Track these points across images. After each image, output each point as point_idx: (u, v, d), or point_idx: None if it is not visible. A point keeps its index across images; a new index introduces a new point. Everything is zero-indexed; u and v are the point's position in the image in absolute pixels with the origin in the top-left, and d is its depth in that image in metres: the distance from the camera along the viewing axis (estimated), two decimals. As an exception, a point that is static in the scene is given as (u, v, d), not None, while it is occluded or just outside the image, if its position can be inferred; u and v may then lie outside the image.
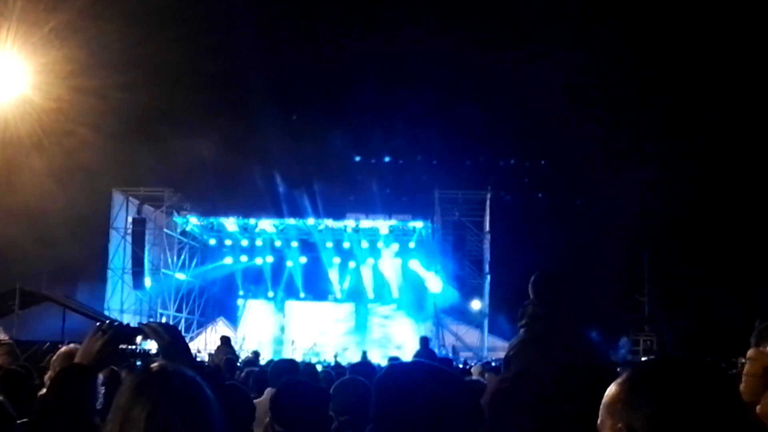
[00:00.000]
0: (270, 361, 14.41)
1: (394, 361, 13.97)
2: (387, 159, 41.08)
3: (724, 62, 36.31)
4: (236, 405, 5.68)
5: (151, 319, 33.77)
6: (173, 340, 3.49)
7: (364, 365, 11.39)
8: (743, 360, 3.62)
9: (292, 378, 6.33)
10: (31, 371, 8.93)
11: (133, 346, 3.69)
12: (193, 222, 39.09)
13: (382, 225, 38.00)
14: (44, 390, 5.73)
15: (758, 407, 3.19)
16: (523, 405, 3.30)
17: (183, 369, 2.92)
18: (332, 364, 21.77)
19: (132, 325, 3.75)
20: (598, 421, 2.12)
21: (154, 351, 3.65)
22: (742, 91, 36.18)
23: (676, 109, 37.91)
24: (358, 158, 40.32)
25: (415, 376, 2.91)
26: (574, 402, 5.17)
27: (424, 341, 17.06)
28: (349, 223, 37.92)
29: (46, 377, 5.77)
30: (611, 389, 2.11)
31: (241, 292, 41.23)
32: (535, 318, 5.68)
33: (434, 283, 37.15)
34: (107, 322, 3.80)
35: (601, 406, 2.12)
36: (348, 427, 5.70)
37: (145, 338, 3.66)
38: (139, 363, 3.73)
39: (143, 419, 2.71)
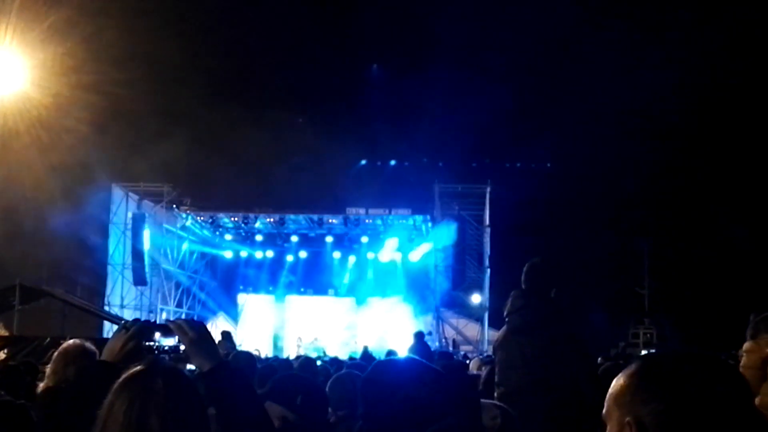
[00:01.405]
0: (268, 358, 14.41)
1: (391, 354, 14.00)
2: (386, 153, 41.06)
3: (726, 60, 36.33)
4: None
5: (152, 315, 34.01)
6: (198, 337, 3.50)
7: (363, 360, 11.39)
8: (741, 353, 3.64)
9: (287, 374, 6.36)
10: (35, 367, 8.95)
11: (151, 343, 3.70)
12: (193, 217, 39.10)
13: (382, 219, 38.06)
14: (43, 384, 5.75)
15: (758, 398, 3.20)
16: (453, 397, 3.32)
17: (175, 369, 2.96)
18: (330, 358, 21.74)
19: (149, 322, 3.78)
20: (604, 411, 2.11)
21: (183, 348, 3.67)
22: (741, 87, 36.20)
23: (673, 102, 37.87)
24: (357, 153, 40.28)
25: (397, 374, 2.95)
26: (546, 395, 5.19)
27: (419, 336, 17.15)
28: (349, 217, 37.96)
29: (47, 371, 5.80)
30: (619, 380, 2.09)
31: (241, 287, 41.24)
32: (513, 309, 5.68)
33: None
34: (132, 319, 3.85)
35: (608, 397, 2.10)
36: (345, 422, 5.72)
37: (164, 335, 3.69)
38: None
39: (121, 414, 2.77)
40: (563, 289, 5.69)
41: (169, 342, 3.63)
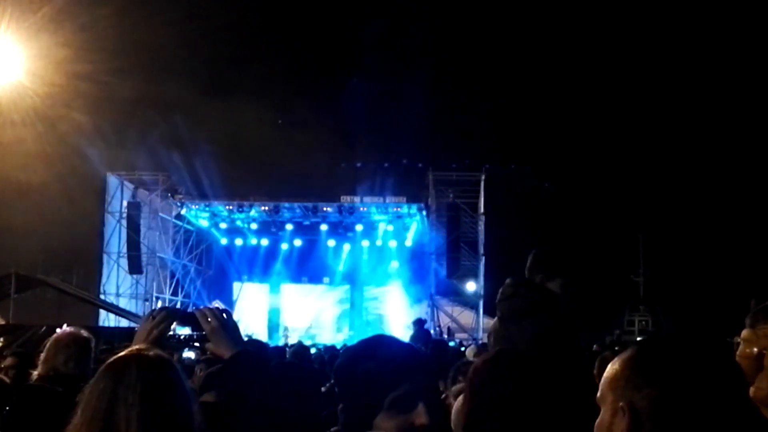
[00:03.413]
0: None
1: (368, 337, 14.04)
2: (381, 141, 40.95)
3: (727, 61, 36.39)
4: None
5: (147, 303, 33.99)
6: (221, 326, 3.54)
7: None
8: (738, 340, 3.62)
9: (281, 362, 6.38)
10: (30, 356, 8.95)
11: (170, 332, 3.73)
12: (188, 205, 39.06)
13: (377, 207, 38.05)
14: (37, 372, 5.77)
15: (752, 389, 3.19)
16: (505, 382, 3.31)
17: (156, 359, 2.98)
18: (326, 346, 21.80)
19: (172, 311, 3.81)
20: (598, 395, 2.11)
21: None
22: (737, 82, 36.23)
23: (673, 94, 37.89)
24: (351, 139, 40.19)
25: (357, 354, 2.94)
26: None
27: (419, 323, 17.11)
28: (344, 205, 37.95)
29: (41, 359, 5.82)
30: (614, 365, 2.09)
31: (236, 275, 41.28)
32: (503, 297, 5.69)
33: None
34: (159, 307, 3.89)
35: (602, 381, 2.10)
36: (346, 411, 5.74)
37: (181, 324, 3.72)
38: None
39: (94, 399, 2.81)
40: (553, 277, 5.69)
41: (185, 331, 3.68)
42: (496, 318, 5.90)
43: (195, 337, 3.63)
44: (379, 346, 2.96)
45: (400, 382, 2.76)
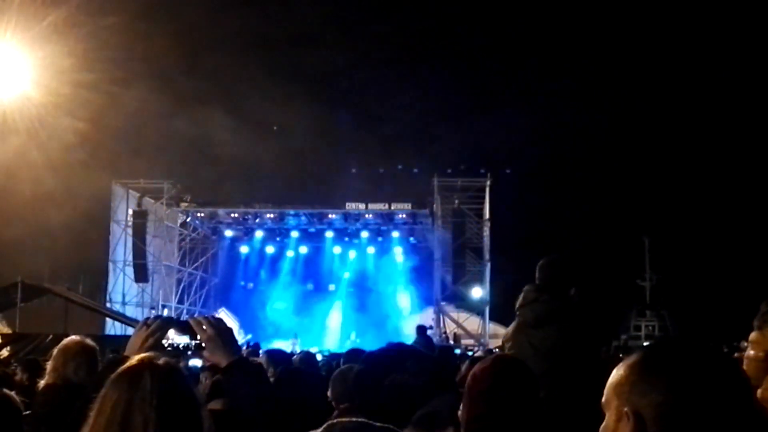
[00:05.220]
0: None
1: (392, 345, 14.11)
2: (385, 147, 40.95)
3: (726, 60, 36.40)
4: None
5: (153, 311, 33.99)
6: (216, 334, 3.53)
7: (360, 352, 11.39)
8: (745, 343, 3.61)
9: (287, 368, 6.36)
10: (38, 363, 8.95)
11: (164, 340, 3.71)
12: (194, 214, 39.11)
13: (382, 213, 38.05)
14: (43, 381, 5.76)
15: (760, 391, 3.18)
16: (501, 388, 3.30)
17: (167, 367, 2.96)
18: (333, 352, 21.79)
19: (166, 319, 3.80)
20: (603, 400, 2.10)
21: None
22: (744, 85, 36.22)
23: (673, 97, 37.89)
24: (356, 146, 40.17)
25: (382, 362, 2.92)
26: (554, 387, 5.21)
27: (421, 329, 17.25)
28: (349, 212, 37.97)
29: (47, 369, 5.80)
30: (620, 370, 2.07)
31: (242, 283, 41.33)
32: (525, 303, 5.71)
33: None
34: (154, 316, 3.88)
35: (607, 386, 2.09)
36: (347, 415, 5.73)
37: (180, 332, 3.70)
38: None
39: (108, 408, 2.79)
40: (581, 286, 5.71)
41: (184, 339, 3.67)
42: (513, 324, 5.93)
43: (192, 345, 3.62)
44: (407, 357, 2.92)
45: (431, 398, 2.72)
